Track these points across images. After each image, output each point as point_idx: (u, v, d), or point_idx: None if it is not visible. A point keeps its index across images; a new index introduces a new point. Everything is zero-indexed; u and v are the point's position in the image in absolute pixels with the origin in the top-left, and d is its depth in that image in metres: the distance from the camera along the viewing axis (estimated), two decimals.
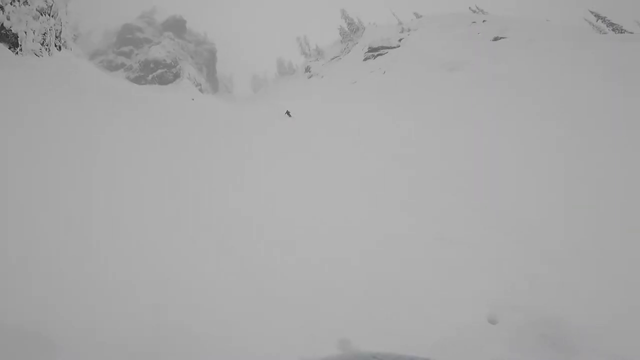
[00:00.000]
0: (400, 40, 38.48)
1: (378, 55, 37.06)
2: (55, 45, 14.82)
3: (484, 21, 36.26)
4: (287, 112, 18.98)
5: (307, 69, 46.32)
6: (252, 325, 3.67)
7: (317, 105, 22.79)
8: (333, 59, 44.78)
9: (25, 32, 12.82)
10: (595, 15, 29.34)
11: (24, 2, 13.19)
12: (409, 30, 40.57)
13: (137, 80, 46.29)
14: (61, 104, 8.83)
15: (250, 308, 3.92)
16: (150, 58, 52.00)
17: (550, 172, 9.22)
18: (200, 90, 44.28)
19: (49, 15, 14.52)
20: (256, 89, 61.20)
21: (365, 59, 37.66)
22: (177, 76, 48.12)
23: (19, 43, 12.65)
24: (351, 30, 48.04)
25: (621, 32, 27.80)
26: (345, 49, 45.47)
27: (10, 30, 12.34)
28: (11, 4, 12.64)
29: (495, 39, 31.81)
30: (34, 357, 2.73)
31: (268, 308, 3.98)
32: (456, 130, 14.59)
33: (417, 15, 46.50)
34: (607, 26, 28.53)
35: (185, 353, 3.17)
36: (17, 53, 12.49)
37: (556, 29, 30.17)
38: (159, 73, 48.85)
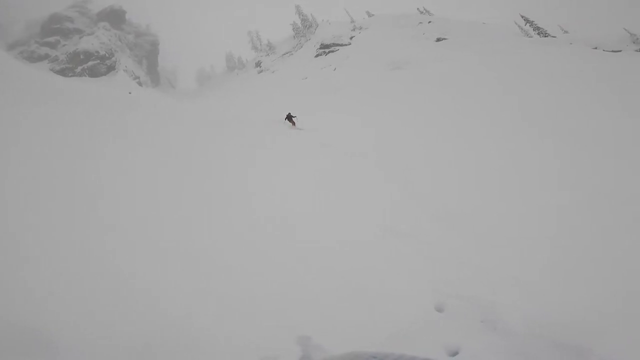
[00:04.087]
0: (351, 38, 39.12)
1: (330, 52, 37.27)
2: None
3: (429, 22, 38.24)
4: (290, 117, 15.04)
5: (258, 64, 45.14)
6: (207, 324, 3.61)
7: (269, 100, 22.09)
8: (285, 54, 44.15)
9: None
10: (524, 19, 32.33)
11: None
12: (360, 28, 41.37)
13: (64, 72, 41.48)
14: None
15: (206, 307, 3.88)
16: (80, 49, 47.18)
17: (490, 168, 9.49)
18: (139, 83, 41.06)
19: None
20: (202, 83, 58.46)
21: (317, 55, 37.66)
22: (111, 68, 44.06)
23: None
24: (304, 26, 47.80)
25: (545, 36, 30.97)
26: (297, 44, 45.09)
27: None
28: None
29: (438, 39, 33.73)
30: (34, 357, 2.74)
31: (224, 307, 3.90)
32: (400, 126, 14.91)
33: (369, 14, 47.67)
34: (534, 30, 31.60)
35: (181, 353, 3.22)
36: None
37: (490, 32, 32.86)
38: (90, 65, 44.28)
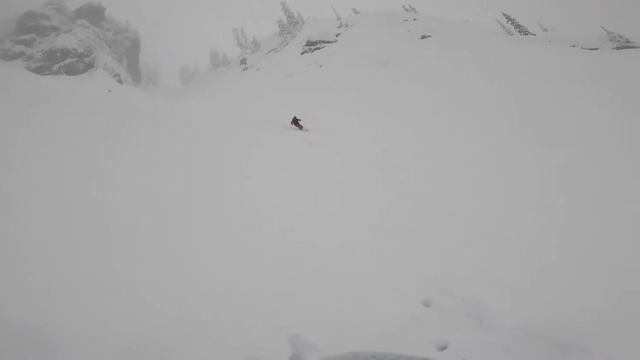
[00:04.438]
0: (337, 35, 39.02)
1: (316, 49, 37.11)
2: None
3: (414, 20, 38.53)
4: (296, 121, 14.11)
5: (243, 61, 44.56)
6: (201, 324, 3.57)
7: (258, 98, 21.77)
8: (270, 51, 43.70)
9: None
10: (506, 17, 32.92)
11: None
12: (346, 25, 41.31)
13: (39, 70, 40.03)
14: None
15: (200, 307, 3.83)
16: (57, 47, 45.63)
17: (487, 167, 9.58)
18: (119, 81, 39.97)
19: None
20: (185, 81, 57.36)
21: (302, 53, 37.43)
22: (90, 66, 42.76)
23: None
24: (290, 23, 47.41)
25: (525, 34, 31.64)
26: (283, 41, 44.69)
27: None
28: None
29: (423, 37, 34.02)
30: (34, 357, 2.76)
31: (219, 306, 3.87)
32: (397, 125, 14.96)
33: (355, 12, 47.60)
34: (515, 28, 32.22)
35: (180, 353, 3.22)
36: None
37: (473, 30, 33.35)
38: (67, 63, 42.80)
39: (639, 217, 6.12)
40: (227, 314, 3.78)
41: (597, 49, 25.33)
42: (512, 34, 31.99)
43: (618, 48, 24.70)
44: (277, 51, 42.50)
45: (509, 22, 32.75)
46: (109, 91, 24.17)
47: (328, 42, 37.68)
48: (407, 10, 42.89)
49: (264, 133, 12.39)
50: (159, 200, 5.92)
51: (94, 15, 57.91)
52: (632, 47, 24.34)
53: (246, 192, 7.15)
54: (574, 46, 26.61)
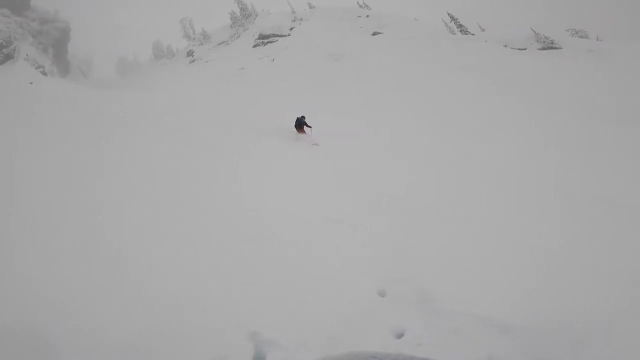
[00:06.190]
0: (291, 29, 38.61)
1: (268, 42, 36.42)
2: None
3: (367, 16, 39.45)
4: (303, 123, 12.27)
5: (190, 53, 42.30)
6: (165, 327, 3.56)
7: (201, 92, 20.65)
8: (220, 43, 41.95)
9: None
10: (450, 17, 35.06)
11: None
12: (300, 19, 40.99)
13: None
14: None
15: (162, 310, 3.82)
16: None
17: (433, 160, 10.08)
18: (43, 72, 36.10)
19: None
20: (124, 73, 52.86)
21: (255, 46, 36.53)
22: (9, 57, 37.87)
23: None
24: (243, 15, 45.71)
25: (466, 34, 34.00)
26: (234, 34, 43.06)
27: None
28: None
29: (374, 33, 35.04)
30: (34, 358, 2.84)
31: (180, 309, 3.85)
32: (341, 116, 15.13)
33: (311, 6, 47.19)
34: (457, 27, 34.47)
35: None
36: None
37: (420, 28, 35.14)
38: None
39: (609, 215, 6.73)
40: (194, 315, 3.76)
41: (526, 49, 27.87)
42: (455, 33, 34.14)
43: (543, 49, 27.41)
44: (228, 44, 40.88)
45: (452, 21, 34.90)
46: (31, 83, 21.46)
47: (282, 35, 37.13)
48: (361, 7, 43.77)
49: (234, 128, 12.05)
50: (148, 207, 5.77)
51: (17, 4, 50.90)
52: (555, 48, 27.19)
53: (215, 193, 6.87)
54: (505, 46, 29.03)
